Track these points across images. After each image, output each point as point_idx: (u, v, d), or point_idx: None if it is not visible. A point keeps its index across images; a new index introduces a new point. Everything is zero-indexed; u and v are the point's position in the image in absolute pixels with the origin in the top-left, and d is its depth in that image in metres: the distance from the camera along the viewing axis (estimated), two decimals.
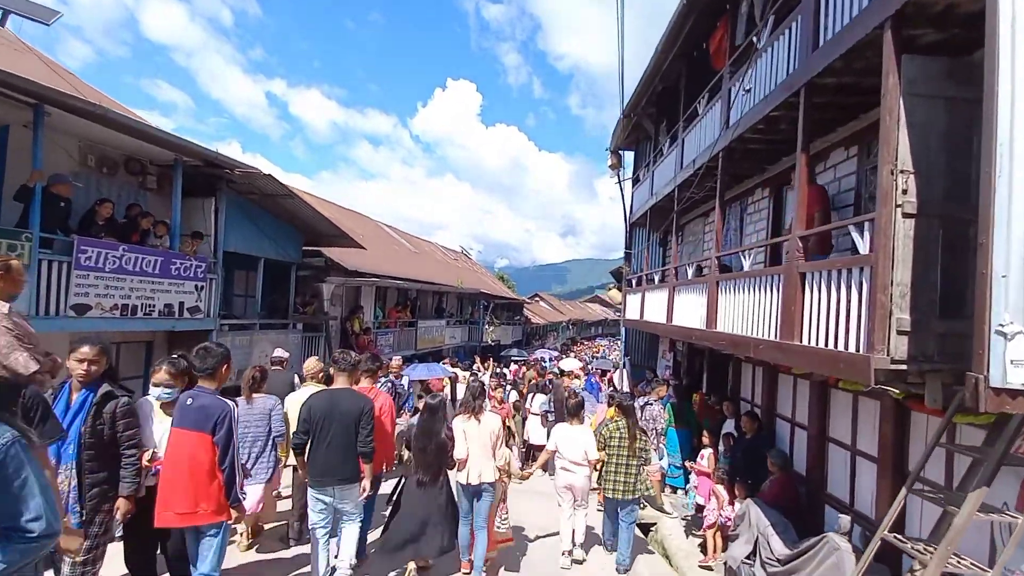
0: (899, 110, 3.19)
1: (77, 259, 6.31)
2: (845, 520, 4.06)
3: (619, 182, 11.38)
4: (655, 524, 6.99)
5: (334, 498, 3.85)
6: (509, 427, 8.11)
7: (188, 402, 3.24)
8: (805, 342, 3.99)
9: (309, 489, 3.91)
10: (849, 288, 3.45)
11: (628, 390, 11.59)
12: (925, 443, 3.93)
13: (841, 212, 5.12)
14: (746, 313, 5.05)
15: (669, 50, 7.93)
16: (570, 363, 16.41)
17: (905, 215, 3.19)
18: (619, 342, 44.70)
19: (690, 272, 6.98)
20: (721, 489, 5.92)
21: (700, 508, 6.43)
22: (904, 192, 3.19)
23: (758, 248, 5.80)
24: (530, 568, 5.00)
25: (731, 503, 5.83)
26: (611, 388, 12.15)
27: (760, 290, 4.80)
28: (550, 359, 21.09)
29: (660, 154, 9.57)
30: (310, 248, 11.66)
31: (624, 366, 11.73)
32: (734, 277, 5.43)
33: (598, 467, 5.27)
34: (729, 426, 6.85)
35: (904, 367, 3.12)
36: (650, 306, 9.04)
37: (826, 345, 3.82)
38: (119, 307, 6.87)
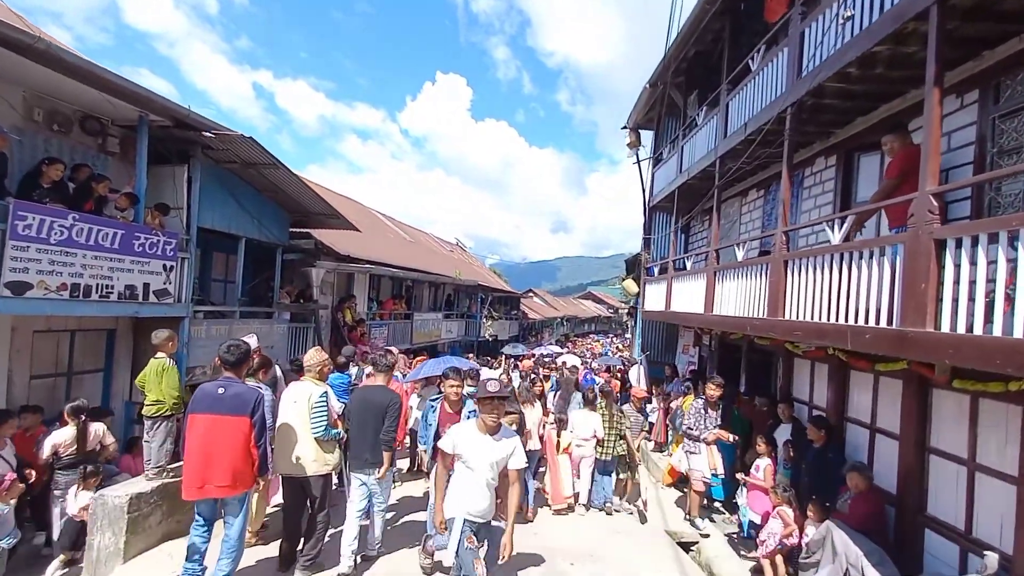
0: None
1: (14, 227, 5.21)
2: (992, 559, 3.16)
3: (637, 162, 10.42)
4: (695, 544, 6.07)
5: (368, 479, 4.37)
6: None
7: (220, 391, 3.68)
8: (942, 328, 3.07)
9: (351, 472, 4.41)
10: None
11: (645, 389, 10.70)
12: None
13: (951, 174, 4.20)
14: (834, 296, 4.12)
15: (711, 5, 6.97)
16: (570, 359, 16.62)
17: None
18: (614, 337, 43.63)
19: (740, 253, 6.03)
20: (787, 509, 5.00)
21: (755, 527, 5.51)
22: None
23: (824, 221, 4.84)
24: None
25: (799, 524, 4.93)
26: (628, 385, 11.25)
27: (859, 266, 3.86)
28: (551, 355, 20.20)
29: (691, 126, 8.62)
30: (298, 230, 10.57)
31: (641, 363, 10.80)
32: (814, 253, 4.49)
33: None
34: (785, 432, 5.92)
35: None
36: (680, 295, 8.10)
37: (969, 331, 2.90)
38: (68, 287, 5.76)
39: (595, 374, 16.21)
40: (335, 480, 5.38)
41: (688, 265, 7.81)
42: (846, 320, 3.99)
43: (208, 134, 7.15)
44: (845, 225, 4.16)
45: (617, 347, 34.88)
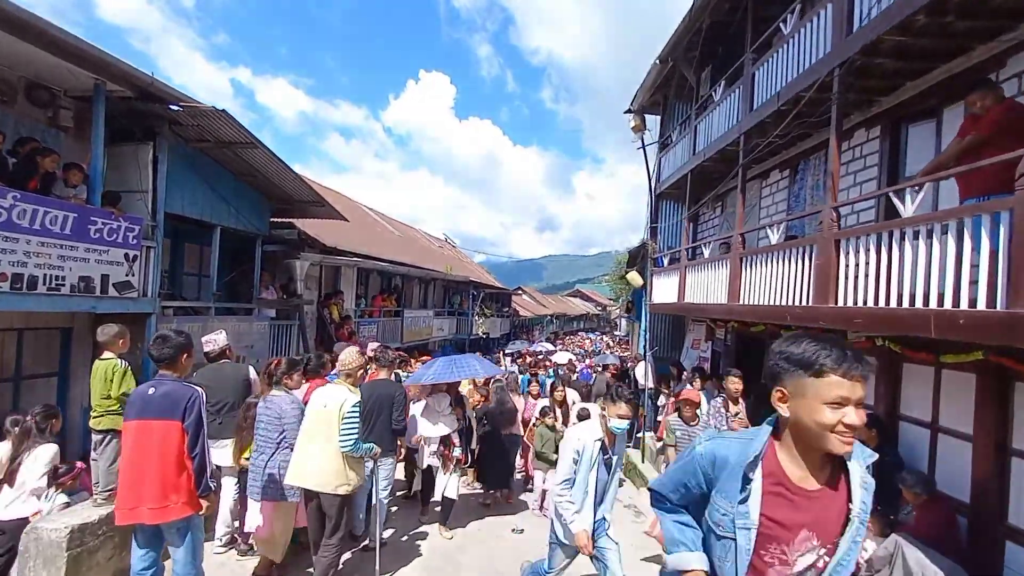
0: None
1: None
2: None
3: (643, 147, 9.82)
4: None
5: (373, 466, 4.38)
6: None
7: (150, 392, 3.14)
8: None
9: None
10: None
11: (652, 386, 10.13)
12: None
13: None
14: (905, 277, 3.55)
15: None
16: (561, 356, 16.81)
17: None
18: (603, 335, 43.43)
19: (774, 236, 5.45)
20: None
21: None
22: None
23: (889, 191, 4.27)
24: None
25: None
26: (634, 383, 10.67)
27: (941, 242, 3.29)
28: (544, 352, 19.67)
29: (706, 104, 8.04)
30: (280, 220, 9.78)
31: (647, 359, 10.22)
32: (877, 229, 3.91)
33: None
34: None
35: None
36: (696, 285, 7.52)
37: None
38: (8, 277, 4.96)
39: (591, 370, 16.17)
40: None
41: (706, 253, 7.22)
42: (925, 304, 3.41)
43: (175, 107, 6.36)
44: (921, 194, 3.57)
45: (607, 344, 34.53)
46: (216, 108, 6.30)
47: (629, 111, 10.59)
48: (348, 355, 3.97)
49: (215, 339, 4.79)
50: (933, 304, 3.36)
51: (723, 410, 6.09)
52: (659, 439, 9.19)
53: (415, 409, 5.89)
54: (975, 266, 3.08)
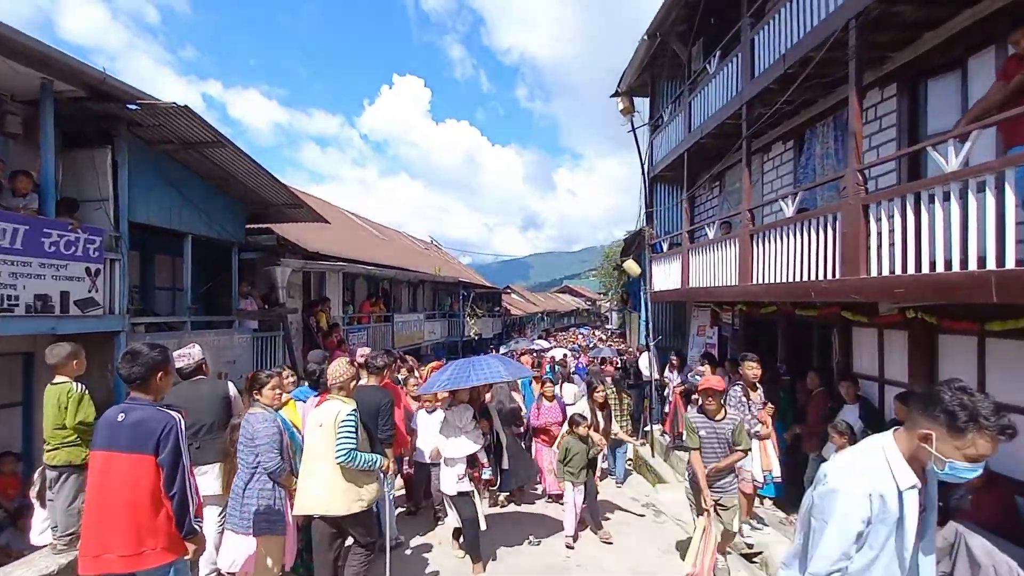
0: None
1: None
2: None
3: (632, 130, 9.47)
4: (760, 553, 5.14)
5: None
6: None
7: (119, 418, 2.65)
8: None
9: None
10: None
11: (658, 377, 9.79)
12: None
13: None
14: (953, 238, 3.21)
15: None
16: (557, 352, 16.28)
17: None
18: (595, 330, 43.26)
19: (788, 208, 5.10)
20: None
21: None
22: None
23: (929, 145, 3.94)
24: None
25: None
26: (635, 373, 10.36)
27: (997, 197, 2.94)
28: (540, 349, 19.35)
29: (699, 80, 7.70)
30: (257, 226, 9.23)
31: (649, 349, 9.88)
32: (915, 188, 3.56)
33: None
34: (851, 416, 5.02)
35: None
36: (701, 268, 7.18)
37: None
38: None
39: (589, 364, 15.90)
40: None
41: (710, 233, 6.87)
42: (981, 266, 3.06)
43: (133, 106, 5.83)
44: (966, 145, 3.23)
45: (600, 338, 34.32)
46: (177, 104, 5.77)
47: (616, 94, 10.23)
48: (337, 368, 3.72)
49: (189, 353, 4.30)
50: (991, 265, 3.01)
51: (744, 398, 5.74)
52: (667, 432, 8.88)
53: (427, 423, 5.39)
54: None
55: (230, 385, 4.24)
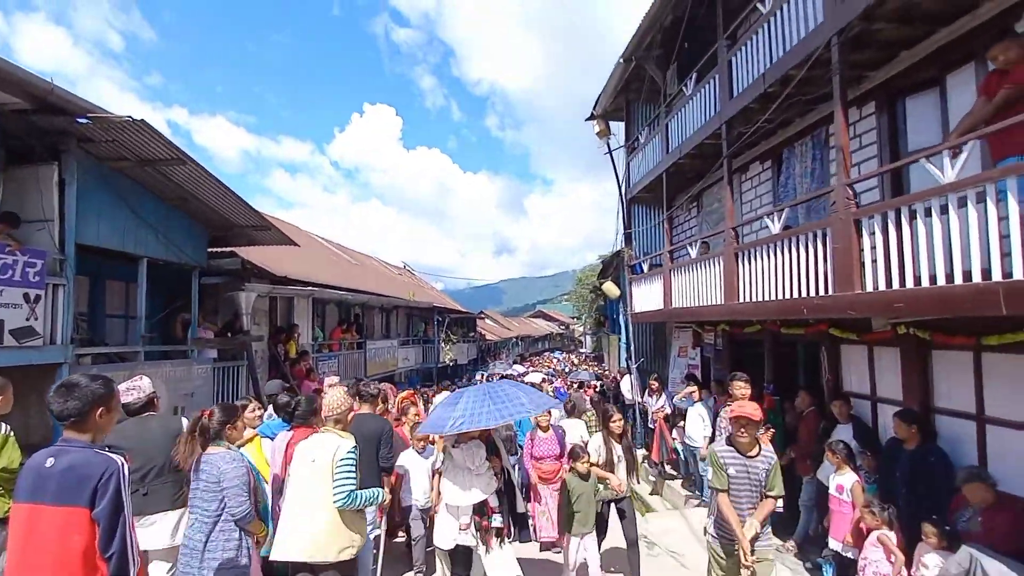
0: None
1: None
2: None
3: (609, 152, 9.48)
4: None
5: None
6: None
7: (48, 464, 2.19)
8: None
9: None
10: None
11: (640, 400, 9.58)
12: None
13: None
14: (954, 251, 3.13)
15: None
16: (534, 376, 16.13)
17: None
18: (568, 354, 43.26)
19: (775, 226, 5.04)
20: (890, 533, 3.91)
21: (843, 559, 4.38)
22: None
23: (923, 155, 3.92)
24: None
25: (902, 551, 3.84)
26: (616, 397, 10.13)
27: (998, 206, 2.88)
28: (518, 375, 19.02)
29: (676, 101, 7.76)
30: (220, 249, 8.73)
31: (631, 372, 9.69)
32: (911, 201, 3.50)
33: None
34: (845, 435, 4.89)
35: None
36: (684, 288, 7.08)
37: None
38: None
39: (566, 388, 15.63)
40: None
41: (692, 253, 6.80)
42: (986, 278, 2.97)
43: (83, 120, 5.41)
44: (963, 156, 3.18)
45: (573, 361, 34.21)
46: (132, 118, 5.38)
47: (592, 117, 10.29)
48: (334, 398, 3.39)
49: (138, 386, 3.83)
50: (996, 276, 2.93)
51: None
52: (654, 460, 8.61)
53: (417, 466, 4.82)
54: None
55: (183, 421, 3.78)
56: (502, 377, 17.31)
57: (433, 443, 5.12)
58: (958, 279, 3.15)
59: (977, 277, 3.04)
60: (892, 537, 3.91)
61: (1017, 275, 2.81)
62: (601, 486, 4.57)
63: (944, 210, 3.24)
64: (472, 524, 3.89)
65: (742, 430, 3.42)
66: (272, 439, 4.23)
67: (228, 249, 8.84)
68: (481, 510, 3.97)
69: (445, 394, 9.10)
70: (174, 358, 7.29)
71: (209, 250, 8.28)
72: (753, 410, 3.45)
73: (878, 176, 4.70)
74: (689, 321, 8.32)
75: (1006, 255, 2.90)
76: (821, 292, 4.35)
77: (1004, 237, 2.90)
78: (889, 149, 4.83)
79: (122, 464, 2.30)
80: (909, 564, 3.84)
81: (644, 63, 8.29)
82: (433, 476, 4.75)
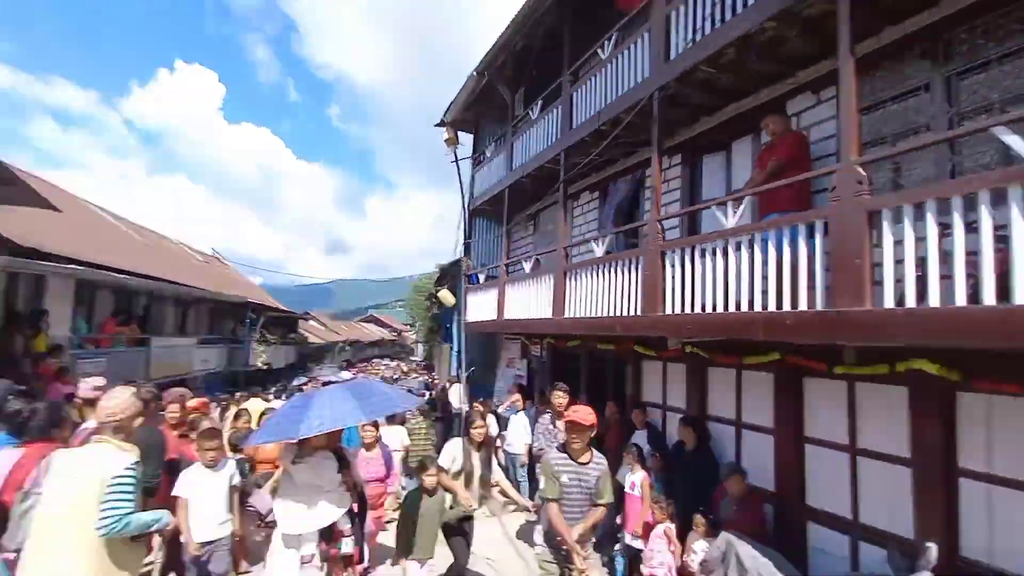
0: None
1: None
2: (934, 549, 2.98)
3: (455, 160, 9.56)
4: None
5: None
6: None
7: None
8: (883, 305, 2.82)
9: None
10: None
11: (468, 409, 9.67)
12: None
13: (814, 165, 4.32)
14: (729, 283, 3.78)
15: None
16: None
17: None
18: (400, 362, 42.09)
19: (599, 249, 5.54)
20: (672, 527, 4.50)
21: (632, 550, 4.90)
22: None
23: (714, 203, 4.65)
24: None
25: (680, 539, 4.47)
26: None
27: (763, 249, 3.56)
28: (341, 381, 17.77)
29: (522, 123, 8.14)
30: None
31: (460, 380, 9.76)
32: (698, 241, 4.14)
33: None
34: (640, 440, 5.56)
35: None
36: (516, 301, 7.39)
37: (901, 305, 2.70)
38: None
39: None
40: None
41: (527, 268, 7.15)
42: (750, 307, 3.63)
43: None
44: (742, 207, 3.88)
45: (403, 369, 33.53)
46: None
47: (441, 123, 10.25)
48: (117, 400, 2.70)
49: None
50: (756, 307, 3.59)
51: (551, 427, 5.94)
52: None
53: (204, 487, 3.83)
54: (795, 270, 3.35)
55: None
56: (327, 383, 15.95)
57: (227, 455, 4.37)
58: (731, 308, 3.78)
59: (745, 307, 3.68)
60: (674, 529, 4.50)
61: (771, 307, 3.48)
62: (451, 502, 4.20)
63: (725, 251, 3.88)
64: (317, 555, 3.26)
65: (575, 436, 3.40)
66: None
67: None
68: (328, 535, 3.33)
69: (257, 401, 7.98)
70: None
71: None
72: (585, 415, 3.43)
73: (679, 216, 5.49)
74: (519, 333, 8.71)
75: (764, 292, 3.57)
76: (633, 312, 4.88)
77: (764, 277, 3.57)
78: (689, 195, 5.72)
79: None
80: (685, 550, 4.46)
81: (496, 81, 8.56)
82: (231, 496, 4.01)
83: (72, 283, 9.32)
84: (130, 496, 2.54)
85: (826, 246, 3.18)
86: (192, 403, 5.49)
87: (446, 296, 10.48)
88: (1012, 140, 2.43)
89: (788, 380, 4.34)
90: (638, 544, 4.75)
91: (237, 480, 4.14)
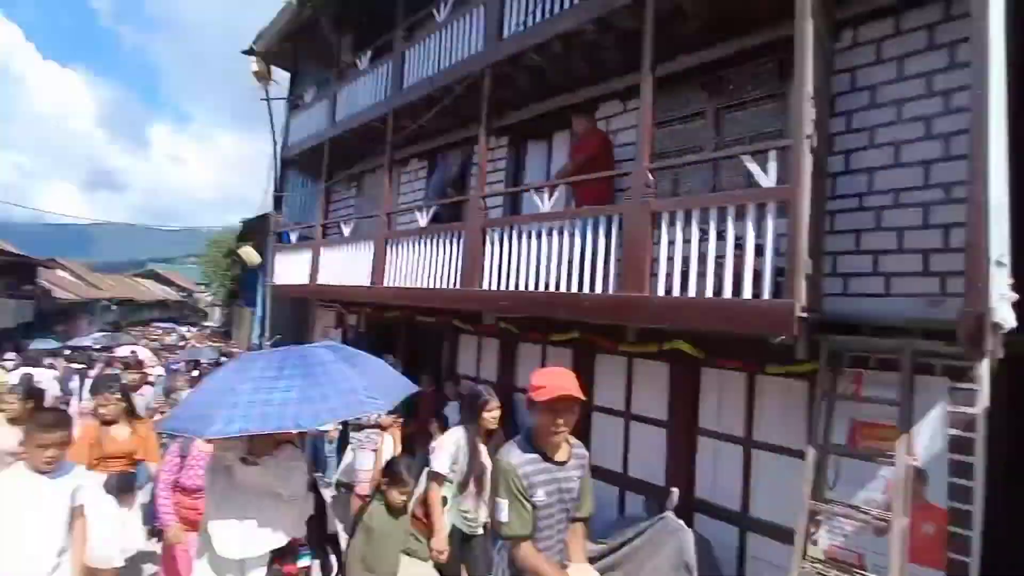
0: None
1: None
2: (675, 493, 3.65)
3: (267, 99, 8.36)
4: None
5: None
6: None
7: None
8: (657, 293, 3.32)
9: None
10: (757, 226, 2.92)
11: None
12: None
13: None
14: (542, 264, 4.05)
15: None
16: (142, 351, 12.53)
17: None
18: (191, 326, 36.69)
19: (423, 219, 5.41)
20: None
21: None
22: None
23: (531, 188, 4.88)
24: None
25: None
26: None
27: (571, 234, 3.87)
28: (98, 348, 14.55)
29: (348, 72, 7.43)
30: None
31: (262, 349, 8.78)
32: (520, 221, 4.32)
33: None
34: (453, 411, 5.72)
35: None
36: (332, 266, 6.86)
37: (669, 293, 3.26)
38: None
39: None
40: None
41: (346, 231, 6.65)
42: (556, 288, 3.94)
43: None
44: (556, 195, 4.13)
45: (183, 336, 28.69)
46: None
47: (251, 52, 8.80)
48: None
49: None
50: (562, 288, 3.91)
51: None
52: None
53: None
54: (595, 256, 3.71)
55: None
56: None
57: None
58: (541, 288, 4.04)
59: (552, 288, 3.97)
60: None
61: (574, 289, 3.81)
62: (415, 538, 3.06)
63: (539, 234, 4.11)
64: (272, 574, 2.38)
65: (560, 422, 2.03)
66: None
67: None
68: (282, 551, 2.42)
69: None
70: None
71: None
72: (572, 383, 2.07)
73: (503, 196, 5.66)
74: (334, 300, 8.14)
75: (568, 275, 3.89)
76: (453, 285, 4.90)
77: (570, 262, 3.89)
78: (514, 177, 5.92)
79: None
80: None
81: (321, 16, 7.61)
82: (74, 519, 2.62)
83: None
84: None
85: (620, 239, 3.59)
86: None
87: (249, 253, 9.24)
88: (752, 167, 3.01)
89: (584, 355, 4.87)
90: None
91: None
